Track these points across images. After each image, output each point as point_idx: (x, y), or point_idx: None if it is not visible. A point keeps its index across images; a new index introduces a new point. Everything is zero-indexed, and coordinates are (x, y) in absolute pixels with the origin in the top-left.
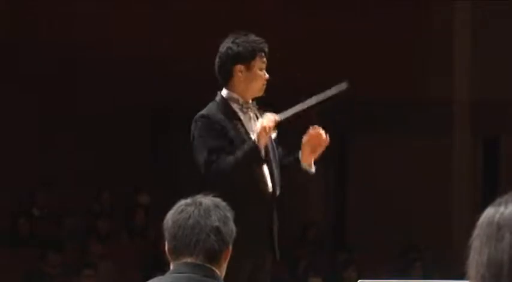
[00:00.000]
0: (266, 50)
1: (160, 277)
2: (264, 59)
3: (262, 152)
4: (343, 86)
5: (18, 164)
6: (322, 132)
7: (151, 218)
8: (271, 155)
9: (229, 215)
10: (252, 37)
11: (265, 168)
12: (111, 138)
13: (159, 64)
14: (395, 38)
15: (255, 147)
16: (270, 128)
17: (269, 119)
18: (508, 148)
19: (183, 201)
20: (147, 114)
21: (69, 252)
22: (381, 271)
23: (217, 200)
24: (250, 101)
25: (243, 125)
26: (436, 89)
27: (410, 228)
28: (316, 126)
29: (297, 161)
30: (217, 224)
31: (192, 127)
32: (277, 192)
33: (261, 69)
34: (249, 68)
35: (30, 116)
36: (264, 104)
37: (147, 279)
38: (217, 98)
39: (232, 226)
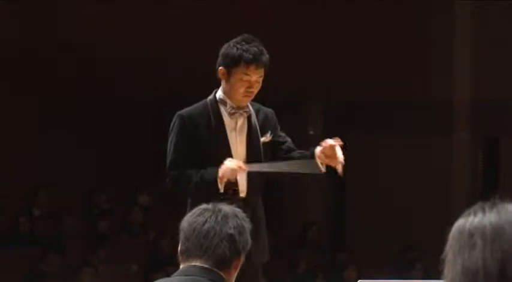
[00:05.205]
0: (258, 62)
1: (167, 278)
2: (251, 71)
3: (221, 190)
4: (320, 170)
5: (18, 164)
6: (338, 150)
7: (151, 218)
8: (253, 162)
9: (247, 225)
10: (252, 45)
11: (243, 174)
12: (111, 138)
13: (160, 63)
14: (396, 38)
15: (214, 180)
16: (230, 175)
17: (234, 167)
18: (507, 148)
19: (203, 205)
20: (148, 114)
21: (69, 252)
22: (380, 271)
23: (237, 209)
24: (244, 104)
25: (223, 129)
26: (436, 89)
27: (410, 228)
28: (337, 139)
29: (312, 155)
30: (232, 231)
31: (172, 122)
32: (254, 197)
33: (241, 79)
34: (230, 73)
35: (30, 116)
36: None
37: (147, 279)
38: (209, 98)
39: (247, 237)
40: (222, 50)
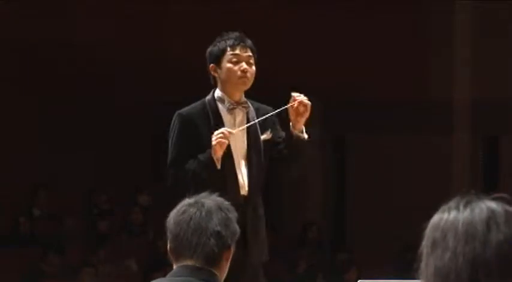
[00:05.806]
0: (241, 43)
1: (162, 278)
2: (237, 51)
3: (218, 166)
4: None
5: (18, 164)
6: (302, 96)
7: (151, 218)
8: (254, 159)
9: (232, 216)
10: (231, 34)
11: (244, 171)
12: (111, 138)
13: (160, 63)
14: (396, 38)
15: (209, 159)
16: (221, 143)
17: (221, 133)
18: (507, 148)
19: (186, 201)
20: (148, 113)
21: (69, 252)
22: (380, 271)
23: (221, 200)
24: (243, 99)
25: (222, 126)
26: (436, 89)
27: (410, 228)
28: (296, 94)
29: (291, 135)
30: (218, 228)
31: (172, 122)
32: (255, 195)
33: (231, 62)
34: (220, 64)
35: (30, 116)
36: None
37: (147, 279)
38: (207, 97)
39: (234, 227)
40: (207, 51)
